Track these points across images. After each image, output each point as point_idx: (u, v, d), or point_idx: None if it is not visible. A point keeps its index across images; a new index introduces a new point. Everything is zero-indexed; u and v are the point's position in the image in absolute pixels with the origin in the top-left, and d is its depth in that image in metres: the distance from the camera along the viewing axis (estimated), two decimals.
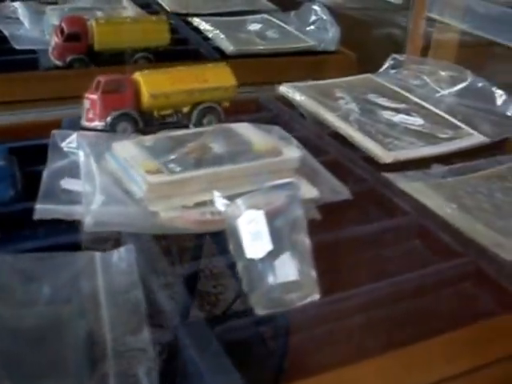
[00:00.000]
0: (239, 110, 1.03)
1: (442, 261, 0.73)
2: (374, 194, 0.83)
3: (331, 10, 1.37)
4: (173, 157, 0.76)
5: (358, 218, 0.82)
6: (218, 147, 0.83)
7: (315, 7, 1.36)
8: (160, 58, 1.20)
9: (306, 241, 0.65)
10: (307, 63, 1.27)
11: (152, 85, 0.91)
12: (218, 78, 0.97)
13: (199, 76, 0.96)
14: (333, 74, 1.23)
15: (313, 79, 1.18)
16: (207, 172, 0.75)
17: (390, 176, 0.84)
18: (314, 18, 1.36)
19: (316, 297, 0.63)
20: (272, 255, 0.63)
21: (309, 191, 0.78)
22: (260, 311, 0.61)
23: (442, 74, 1.09)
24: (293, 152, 0.82)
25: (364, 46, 1.35)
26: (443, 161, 0.93)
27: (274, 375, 0.63)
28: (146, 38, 1.19)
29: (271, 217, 0.65)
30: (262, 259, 0.61)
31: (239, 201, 0.64)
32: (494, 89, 1.03)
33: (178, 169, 0.74)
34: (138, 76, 0.91)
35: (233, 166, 0.78)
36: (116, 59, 1.13)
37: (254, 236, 0.62)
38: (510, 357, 0.63)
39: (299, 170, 0.81)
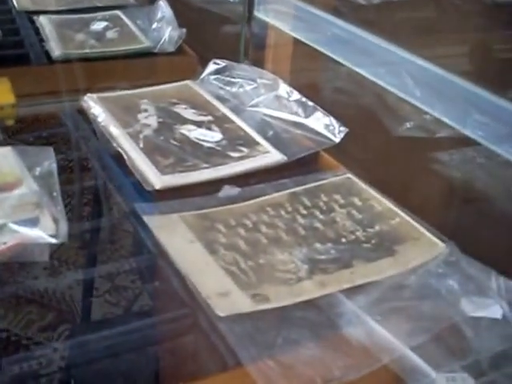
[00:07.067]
0: (34, 126, 0.96)
1: (165, 311, 0.67)
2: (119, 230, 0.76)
3: (178, 5, 1.29)
4: None
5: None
6: None
7: (161, 3, 1.27)
8: None
9: None
10: (141, 66, 1.19)
11: None
12: None
13: None
14: (172, 77, 1.16)
15: (148, 84, 1.11)
16: None
17: (148, 206, 0.77)
18: (159, 15, 1.27)
19: None
20: None
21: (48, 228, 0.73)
22: None
23: (260, 82, 1.01)
24: (32, 185, 0.75)
25: (212, 45, 1.27)
26: (236, 181, 0.86)
27: None
28: None
29: None
30: None
31: None
32: (304, 100, 0.96)
33: None
34: None
35: None
36: None
37: None
38: None
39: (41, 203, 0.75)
